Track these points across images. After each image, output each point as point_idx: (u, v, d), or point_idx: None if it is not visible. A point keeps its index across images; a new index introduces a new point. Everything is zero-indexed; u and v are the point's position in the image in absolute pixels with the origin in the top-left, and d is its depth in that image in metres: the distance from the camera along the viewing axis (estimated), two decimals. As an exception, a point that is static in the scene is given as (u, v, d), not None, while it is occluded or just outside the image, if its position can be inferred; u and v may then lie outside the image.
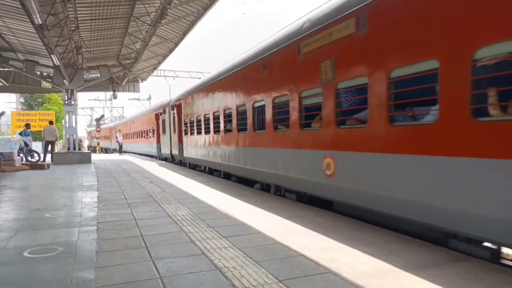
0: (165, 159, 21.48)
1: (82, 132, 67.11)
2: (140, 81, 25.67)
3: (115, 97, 24.43)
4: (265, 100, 8.09)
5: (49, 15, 10.75)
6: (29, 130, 19.54)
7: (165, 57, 20.13)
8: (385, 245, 4.21)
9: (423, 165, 4.24)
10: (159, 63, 21.74)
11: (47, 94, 45.26)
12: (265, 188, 9.05)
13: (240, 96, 9.64)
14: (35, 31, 12.28)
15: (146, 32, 15.02)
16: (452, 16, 3.92)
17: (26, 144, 18.82)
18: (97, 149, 51.43)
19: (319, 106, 6.16)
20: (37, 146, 25.07)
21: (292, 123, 6.96)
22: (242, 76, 9.49)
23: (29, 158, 18.75)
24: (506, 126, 3.43)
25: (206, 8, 12.56)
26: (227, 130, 10.70)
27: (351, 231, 4.89)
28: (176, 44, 17.48)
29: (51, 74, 20.31)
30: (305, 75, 6.60)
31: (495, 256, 3.95)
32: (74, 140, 19.77)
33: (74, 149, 19.81)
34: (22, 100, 54.82)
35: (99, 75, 21.83)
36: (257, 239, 4.56)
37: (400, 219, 4.76)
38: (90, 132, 64.95)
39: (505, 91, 3.54)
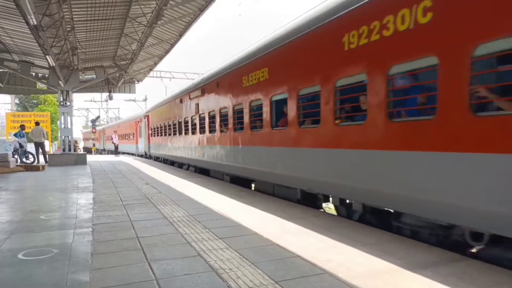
0: (141, 156, 28.14)
1: (77, 133, 66.90)
2: (136, 82, 25.61)
3: (110, 98, 24.32)
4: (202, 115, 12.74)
5: (44, 16, 10.69)
6: (24, 131, 19.39)
7: (161, 58, 20.10)
8: (380, 246, 4.23)
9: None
10: (155, 64, 21.69)
11: (42, 95, 45.06)
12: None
13: (184, 111, 15.00)
14: (30, 32, 12.21)
15: (142, 33, 14.98)
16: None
17: (21, 146, 18.70)
18: (92, 150, 51.23)
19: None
20: (32, 147, 24.88)
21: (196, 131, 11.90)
22: (181, 99, 15.24)
23: (24, 159, 18.63)
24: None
25: (202, 9, 12.55)
26: (173, 134, 16.97)
27: (347, 231, 4.90)
28: (172, 45, 17.46)
29: (46, 75, 20.21)
30: (220, 99, 10.84)
31: None
32: (69, 142, 19.65)
33: (70, 150, 19.69)
34: (17, 101, 54.46)
35: (94, 76, 21.70)
36: (253, 240, 4.56)
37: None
38: (85, 134, 64.86)
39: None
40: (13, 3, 9.98)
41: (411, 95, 4.74)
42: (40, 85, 23.23)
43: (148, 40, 15.54)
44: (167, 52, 18.68)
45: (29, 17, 9.06)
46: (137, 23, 14.03)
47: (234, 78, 9.70)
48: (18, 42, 16.09)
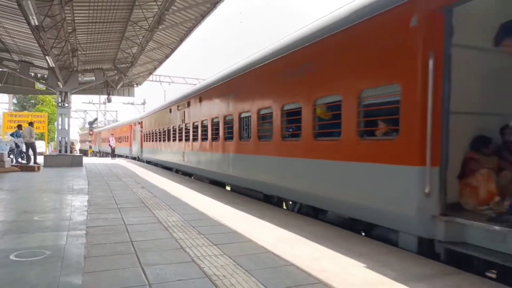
0: (134, 158, 29.06)
1: (74, 135, 66.58)
2: (135, 85, 25.62)
3: (109, 101, 24.32)
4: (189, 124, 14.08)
5: (46, 17, 10.72)
6: (20, 131, 19.28)
7: (161, 62, 20.15)
8: (376, 257, 4.21)
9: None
10: (155, 68, 21.74)
11: (41, 96, 44.92)
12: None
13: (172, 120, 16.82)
14: (31, 32, 12.23)
15: (143, 37, 15.02)
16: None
17: (17, 146, 18.60)
18: (89, 152, 51.06)
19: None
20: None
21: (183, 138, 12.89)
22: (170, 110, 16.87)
23: (20, 159, 18.52)
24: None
25: (204, 15, 12.62)
26: (163, 140, 18.68)
27: (343, 241, 4.88)
28: (173, 50, 17.52)
29: (45, 76, 20.20)
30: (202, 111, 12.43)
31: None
32: (66, 143, 19.57)
33: (66, 151, 19.61)
34: (14, 101, 54.32)
35: (94, 78, 21.70)
36: (248, 248, 4.53)
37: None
38: (82, 136, 64.71)
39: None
40: (15, 3, 10.02)
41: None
42: (39, 86, 23.17)
43: (149, 44, 15.58)
44: (167, 56, 18.73)
45: (30, 17, 9.07)
46: (139, 27, 14.09)
47: (210, 96, 11.63)
48: (18, 42, 16.09)
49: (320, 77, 6.24)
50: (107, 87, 23.51)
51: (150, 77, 26.84)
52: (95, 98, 62.29)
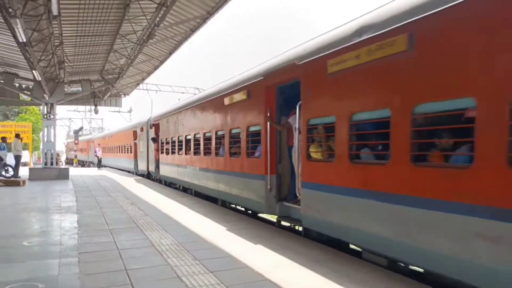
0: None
1: (60, 146, 65.20)
2: (123, 96, 25.36)
3: (96, 112, 23.99)
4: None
5: (34, 31, 10.57)
6: (4, 144, 18.86)
7: (149, 73, 20.04)
8: (379, 283, 4.23)
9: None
10: (143, 79, 21.61)
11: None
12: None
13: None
14: (16, 45, 12.02)
15: (132, 49, 14.94)
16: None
17: (1, 159, 18.18)
18: (74, 161, 50.21)
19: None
20: (10, 158, 24.14)
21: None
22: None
23: (3, 173, 18.10)
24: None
25: (193, 30, 12.63)
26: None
27: (340, 265, 4.90)
28: (162, 62, 17.45)
29: (30, 87, 19.84)
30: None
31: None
32: (52, 155, 19.20)
33: (52, 164, 19.23)
34: (-3, 109, 53.12)
35: (80, 89, 21.42)
36: (245, 275, 4.51)
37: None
38: (68, 144, 63.44)
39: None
40: (0, 17, 9.85)
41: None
42: (24, 96, 22.74)
43: (138, 56, 15.48)
44: (155, 68, 18.64)
45: (18, 34, 8.92)
46: (127, 40, 14.00)
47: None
48: (3, 54, 15.81)
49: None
50: (94, 98, 23.22)
51: (137, 86, 26.57)
52: (80, 106, 61.51)
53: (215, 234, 6.71)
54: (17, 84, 20.01)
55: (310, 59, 6.13)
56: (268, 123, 7.41)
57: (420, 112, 4.11)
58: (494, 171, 3.35)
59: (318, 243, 6.12)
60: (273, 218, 8.69)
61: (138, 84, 23.28)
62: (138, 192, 13.45)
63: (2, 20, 10.29)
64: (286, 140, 7.58)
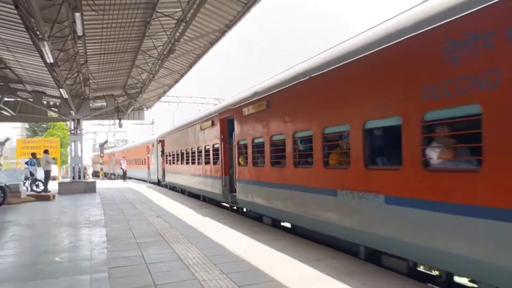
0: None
1: (86, 159, 66.92)
2: (145, 109, 25.90)
3: (120, 126, 24.57)
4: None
5: (60, 52, 10.98)
6: (35, 159, 19.58)
7: (170, 87, 20.41)
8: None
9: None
10: (165, 92, 22.01)
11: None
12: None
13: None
14: (44, 65, 12.53)
15: (153, 64, 15.28)
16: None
17: (31, 174, 18.86)
18: (100, 174, 51.47)
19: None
20: (40, 172, 24.99)
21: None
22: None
23: (34, 187, 18.74)
24: None
25: (212, 43, 12.82)
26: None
27: (370, 279, 4.79)
28: (182, 75, 17.75)
29: (57, 103, 20.55)
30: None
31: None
32: (79, 169, 19.76)
33: (79, 178, 19.78)
34: (26, 125, 55.25)
35: (105, 104, 22.05)
36: (273, 289, 4.47)
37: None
38: (93, 158, 65.22)
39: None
40: (29, 39, 10.30)
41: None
42: (51, 113, 23.56)
43: (159, 71, 15.82)
44: (176, 81, 18.98)
45: (46, 55, 9.28)
46: (148, 55, 14.34)
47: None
48: (31, 74, 16.46)
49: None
50: (118, 112, 23.79)
51: (159, 98, 27.06)
52: (105, 120, 63.12)
53: (241, 246, 6.70)
54: (45, 102, 20.74)
55: (236, 106, 10.22)
56: (222, 142, 11.46)
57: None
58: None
59: (350, 256, 6.01)
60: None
61: (159, 97, 23.74)
62: (163, 204, 13.63)
63: (31, 42, 10.78)
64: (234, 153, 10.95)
